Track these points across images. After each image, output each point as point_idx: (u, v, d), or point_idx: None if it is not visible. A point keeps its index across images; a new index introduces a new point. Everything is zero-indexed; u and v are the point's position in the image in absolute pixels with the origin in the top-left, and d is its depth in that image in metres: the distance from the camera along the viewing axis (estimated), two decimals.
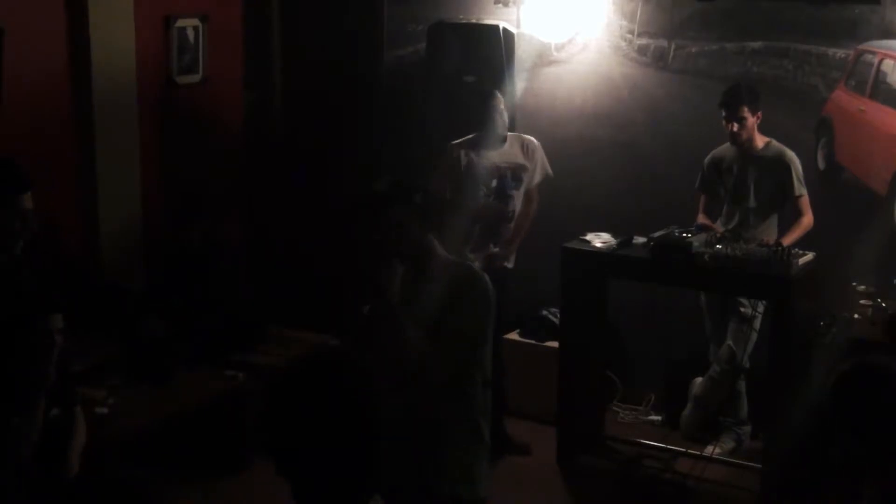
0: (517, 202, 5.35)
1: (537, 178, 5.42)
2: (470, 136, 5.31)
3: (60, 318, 3.95)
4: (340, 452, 1.94)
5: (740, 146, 5.25)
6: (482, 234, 5.34)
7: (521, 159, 5.34)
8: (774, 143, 5.26)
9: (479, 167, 5.26)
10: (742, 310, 5.28)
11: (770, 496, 4.84)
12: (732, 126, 5.17)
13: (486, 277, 3.30)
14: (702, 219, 5.40)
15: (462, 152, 5.30)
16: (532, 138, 5.43)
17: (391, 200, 3.23)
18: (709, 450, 5.33)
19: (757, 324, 5.23)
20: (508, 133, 5.35)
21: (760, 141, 5.25)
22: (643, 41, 5.86)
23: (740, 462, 5.30)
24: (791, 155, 5.22)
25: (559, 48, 6.07)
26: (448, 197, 5.21)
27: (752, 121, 5.18)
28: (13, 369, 3.92)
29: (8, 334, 3.87)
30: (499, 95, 5.29)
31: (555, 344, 5.63)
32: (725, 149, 5.35)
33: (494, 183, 5.29)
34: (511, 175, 5.31)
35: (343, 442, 1.93)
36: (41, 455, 3.94)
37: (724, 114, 5.19)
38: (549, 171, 5.45)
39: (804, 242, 5.07)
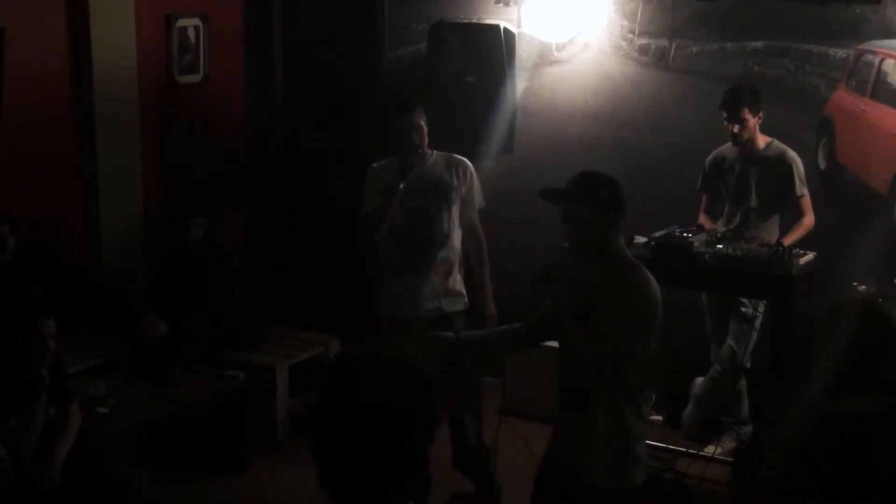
0: (446, 224, 4.74)
1: (475, 205, 4.85)
2: (391, 158, 4.82)
3: (53, 323, 3.96)
4: (375, 447, 1.93)
5: (742, 146, 5.25)
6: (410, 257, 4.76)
7: (446, 177, 4.76)
8: (776, 143, 5.26)
9: (401, 187, 4.68)
10: (743, 310, 5.27)
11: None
12: (733, 127, 5.16)
13: (655, 284, 3.44)
14: (702, 219, 5.40)
15: (383, 173, 4.80)
16: (463, 158, 4.84)
17: (575, 196, 3.48)
18: (710, 450, 5.32)
19: (758, 324, 5.22)
20: (435, 152, 4.78)
21: (762, 141, 5.25)
22: (644, 41, 5.86)
23: None
24: (793, 155, 5.22)
25: (560, 48, 6.07)
26: (377, 217, 4.73)
27: (753, 121, 5.17)
28: (8, 373, 3.93)
29: (3, 340, 3.89)
30: (418, 110, 4.70)
31: (555, 344, 5.60)
32: (727, 149, 5.35)
33: (417, 203, 4.70)
34: (433, 194, 4.72)
35: (380, 438, 1.93)
36: (37, 455, 3.95)
37: (725, 115, 5.19)
38: (482, 201, 4.89)
39: (805, 242, 5.06)
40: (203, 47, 6.23)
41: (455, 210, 4.78)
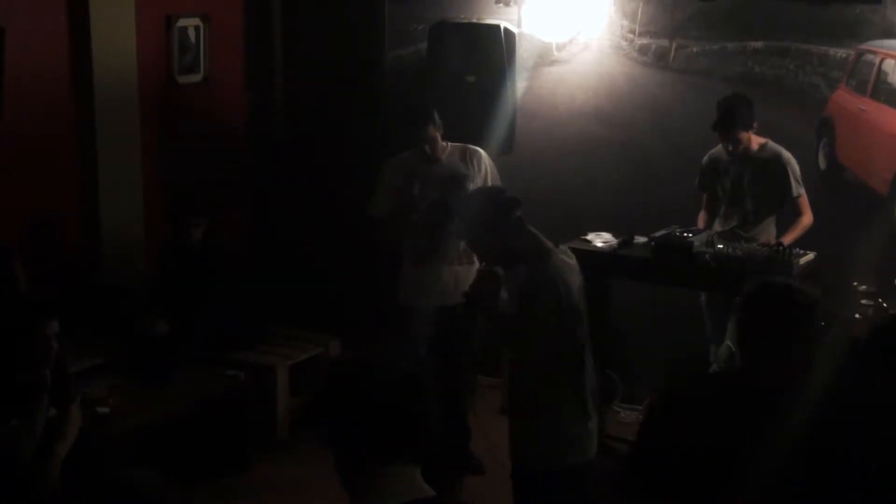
0: None
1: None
2: (404, 153, 5.14)
3: (56, 324, 3.96)
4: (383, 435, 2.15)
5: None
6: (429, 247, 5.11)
7: (461, 169, 5.08)
8: (771, 143, 5.25)
9: (418, 183, 5.05)
10: None
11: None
12: (727, 145, 5.18)
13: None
14: (700, 220, 5.40)
15: (398, 171, 5.13)
16: (478, 149, 5.17)
17: None
18: None
19: None
20: (450, 144, 5.11)
21: (756, 143, 5.24)
22: (644, 41, 5.86)
23: None
24: (787, 156, 5.22)
25: (560, 48, 6.07)
26: (393, 216, 5.10)
27: (746, 136, 5.17)
28: (12, 374, 3.93)
29: (7, 341, 3.89)
30: (431, 123, 4.99)
31: None
32: (722, 150, 5.34)
33: (436, 196, 5.04)
34: (453, 185, 5.03)
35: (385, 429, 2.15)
36: (37, 455, 3.95)
37: (719, 133, 5.19)
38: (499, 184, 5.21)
39: (805, 242, 5.06)
40: (203, 47, 6.23)
41: None
